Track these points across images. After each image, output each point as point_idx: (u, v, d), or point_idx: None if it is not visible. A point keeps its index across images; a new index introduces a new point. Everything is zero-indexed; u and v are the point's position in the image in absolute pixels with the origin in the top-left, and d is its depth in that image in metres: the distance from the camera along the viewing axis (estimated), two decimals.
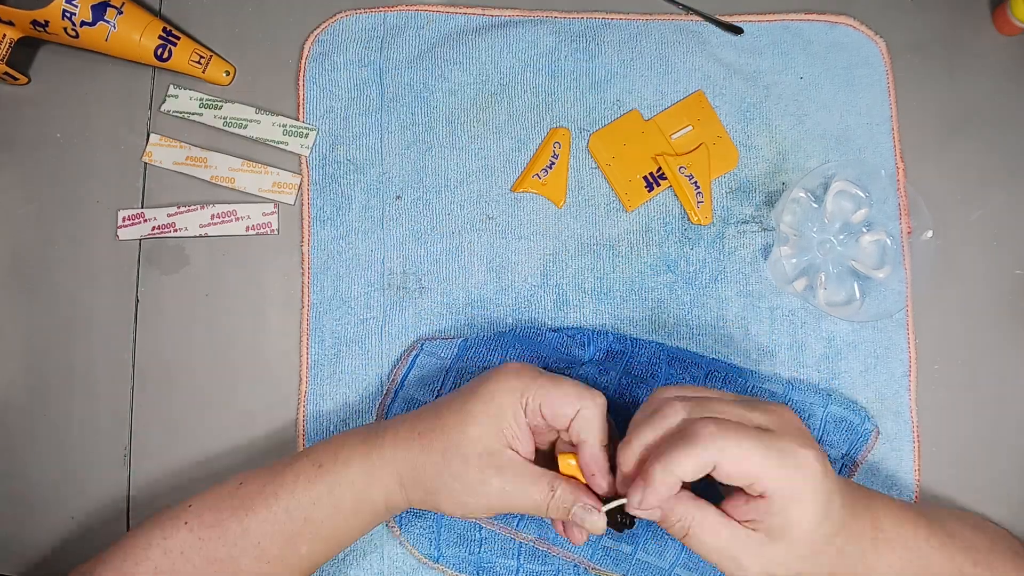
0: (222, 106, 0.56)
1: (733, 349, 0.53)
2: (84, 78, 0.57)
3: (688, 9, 0.57)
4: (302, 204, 0.55)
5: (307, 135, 0.56)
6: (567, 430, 0.43)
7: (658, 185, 0.55)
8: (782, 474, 0.37)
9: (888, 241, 0.53)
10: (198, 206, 0.55)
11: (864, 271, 0.52)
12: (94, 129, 0.57)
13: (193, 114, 0.56)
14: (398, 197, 0.55)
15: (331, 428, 0.53)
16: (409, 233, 0.55)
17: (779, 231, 0.51)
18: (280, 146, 0.56)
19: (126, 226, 0.55)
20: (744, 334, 0.54)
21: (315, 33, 0.57)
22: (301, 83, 0.56)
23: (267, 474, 0.45)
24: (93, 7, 0.52)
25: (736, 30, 0.56)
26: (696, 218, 0.54)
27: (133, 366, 0.54)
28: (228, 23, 0.58)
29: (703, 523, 0.38)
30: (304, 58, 0.56)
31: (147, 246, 0.55)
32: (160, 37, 0.54)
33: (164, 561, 0.42)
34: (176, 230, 0.55)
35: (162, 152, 0.56)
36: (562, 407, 0.42)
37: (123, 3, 0.54)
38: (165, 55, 0.55)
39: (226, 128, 0.56)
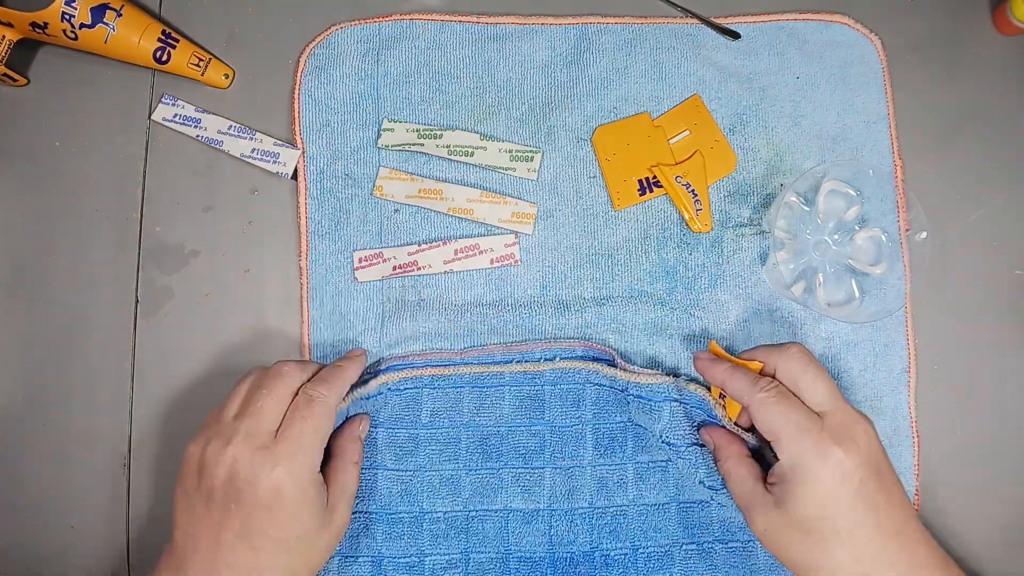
0: (442, 134, 0.55)
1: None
2: (83, 82, 0.57)
3: (686, 12, 0.57)
4: (299, 218, 0.55)
5: (533, 158, 0.55)
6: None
7: (651, 191, 0.55)
8: (797, 449, 0.42)
9: (883, 237, 0.53)
10: (440, 243, 0.54)
11: (861, 268, 0.52)
12: (93, 136, 0.57)
13: (413, 145, 0.55)
14: (396, 211, 0.55)
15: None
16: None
17: (774, 237, 0.51)
18: (508, 172, 0.55)
19: (364, 267, 0.53)
20: (745, 337, 0.54)
21: (310, 46, 0.57)
22: (297, 97, 0.56)
23: None
24: (92, 9, 0.52)
25: (733, 35, 0.56)
26: (696, 226, 0.54)
27: (132, 374, 0.54)
28: (228, 25, 0.58)
29: (738, 467, 0.46)
30: (300, 72, 0.56)
31: (147, 246, 0.55)
32: (159, 39, 0.54)
33: None
34: (419, 268, 0.54)
35: (393, 186, 0.55)
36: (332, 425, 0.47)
37: (122, 5, 0.54)
38: (164, 58, 0.55)
39: (451, 157, 0.55)
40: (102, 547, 0.53)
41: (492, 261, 0.54)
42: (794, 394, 0.44)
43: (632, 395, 0.51)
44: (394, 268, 0.54)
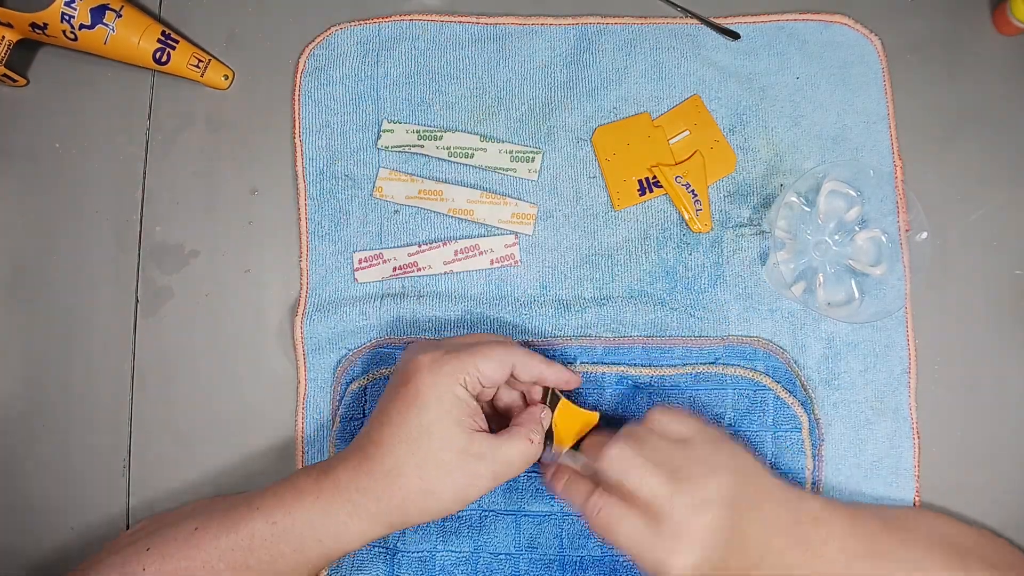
0: (442, 136, 0.55)
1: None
2: (83, 82, 0.57)
3: (686, 12, 0.57)
4: (299, 220, 0.55)
5: (533, 159, 0.55)
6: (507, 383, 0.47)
7: (651, 191, 0.55)
8: (643, 564, 0.42)
9: (883, 238, 0.53)
10: (440, 243, 0.54)
11: (861, 268, 0.52)
12: (93, 137, 0.57)
13: (413, 146, 0.55)
14: (396, 211, 0.55)
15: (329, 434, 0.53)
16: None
17: (774, 237, 0.51)
18: (508, 173, 0.55)
19: (364, 268, 0.54)
20: (745, 337, 0.54)
21: (310, 47, 0.57)
22: (297, 98, 0.56)
23: (222, 522, 0.43)
24: (92, 10, 0.52)
25: (733, 35, 0.56)
26: (696, 227, 0.54)
27: (132, 375, 0.54)
28: (227, 26, 0.58)
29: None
30: (299, 73, 0.56)
31: (147, 246, 0.55)
32: (159, 40, 0.54)
33: None
34: (419, 269, 0.54)
35: (393, 187, 0.55)
36: (497, 372, 0.45)
37: (122, 6, 0.54)
38: (164, 59, 0.55)
39: (451, 159, 0.55)
40: (102, 547, 0.53)
41: (492, 262, 0.54)
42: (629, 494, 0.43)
43: (656, 390, 0.52)
44: (394, 269, 0.54)
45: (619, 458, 0.43)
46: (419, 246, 0.54)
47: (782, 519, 0.44)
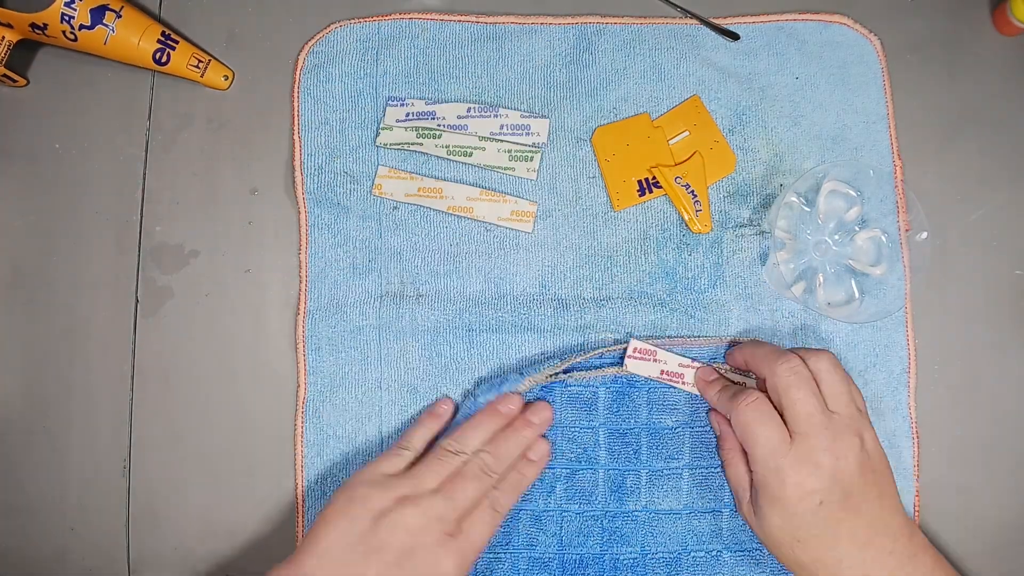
0: (442, 134, 0.55)
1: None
2: (83, 84, 0.57)
3: (685, 12, 0.57)
4: (299, 212, 0.55)
5: (532, 158, 0.55)
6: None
7: (650, 192, 0.55)
8: (762, 470, 0.44)
9: (883, 238, 0.53)
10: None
11: (861, 268, 0.52)
12: (93, 137, 0.57)
13: (412, 144, 0.55)
14: (395, 208, 0.55)
15: (329, 433, 0.53)
16: (406, 243, 0.55)
17: (774, 237, 0.51)
18: (507, 172, 0.55)
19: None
20: (746, 337, 0.54)
21: (309, 44, 0.57)
22: (296, 95, 0.56)
23: None
24: (92, 10, 0.52)
25: (733, 35, 0.56)
26: (696, 227, 0.54)
27: (132, 376, 0.54)
28: (227, 25, 0.58)
29: (736, 461, 0.48)
30: (299, 70, 0.56)
31: (147, 246, 0.55)
32: (159, 41, 0.54)
33: None
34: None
35: (392, 184, 0.55)
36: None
37: (122, 6, 0.54)
38: (164, 59, 0.55)
39: (450, 157, 0.55)
40: (102, 548, 0.53)
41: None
42: (778, 408, 0.45)
43: (654, 389, 0.52)
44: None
45: (794, 370, 0.45)
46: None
47: (902, 530, 0.44)
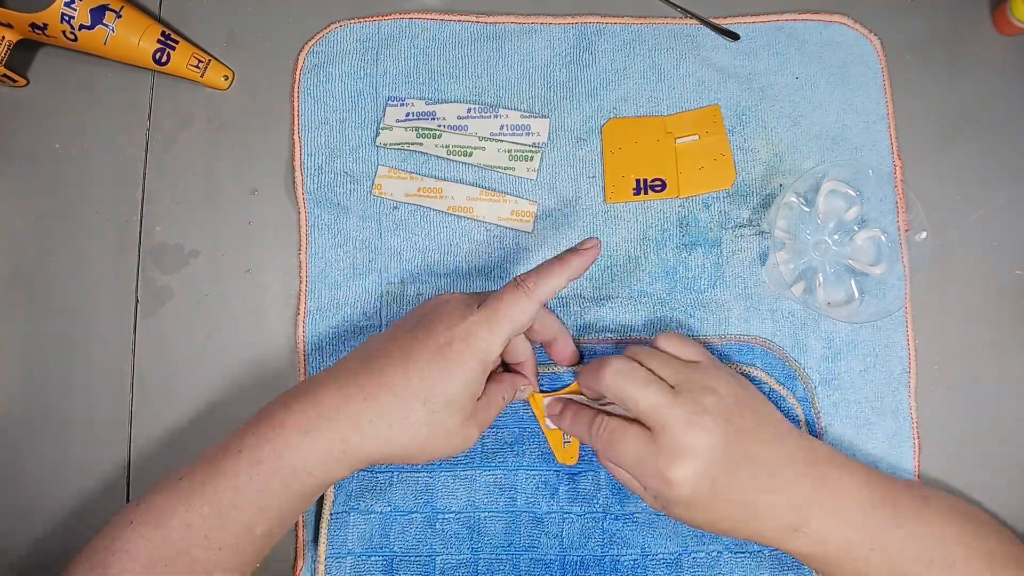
0: (442, 134, 0.55)
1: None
2: (83, 83, 0.57)
3: (685, 12, 0.57)
4: (299, 212, 0.55)
5: (532, 158, 0.55)
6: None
7: (646, 193, 0.55)
8: (645, 482, 0.43)
9: (883, 238, 0.53)
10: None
11: (861, 268, 0.52)
12: (93, 137, 0.57)
13: (412, 144, 0.55)
14: (395, 208, 0.55)
15: None
16: (406, 243, 0.55)
17: (774, 237, 0.51)
18: (507, 172, 0.55)
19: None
20: (746, 337, 0.54)
21: (309, 44, 0.57)
22: (296, 95, 0.56)
23: (206, 469, 0.42)
24: (92, 10, 0.52)
25: (732, 35, 0.56)
26: (560, 457, 0.51)
27: (132, 374, 0.54)
28: (227, 25, 0.58)
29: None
30: (299, 70, 0.56)
31: (147, 246, 0.55)
32: (159, 41, 0.54)
33: (115, 563, 0.41)
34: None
35: (392, 185, 0.55)
36: (518, 340, 0.48)
37: (122, 6, 0.54)
38: (164, 59, 0.55)
39: (450, 157, 0.55)
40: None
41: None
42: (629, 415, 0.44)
43: None
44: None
45: (620, 371, 0.43)
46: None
47: (794, 454, 0.43)
